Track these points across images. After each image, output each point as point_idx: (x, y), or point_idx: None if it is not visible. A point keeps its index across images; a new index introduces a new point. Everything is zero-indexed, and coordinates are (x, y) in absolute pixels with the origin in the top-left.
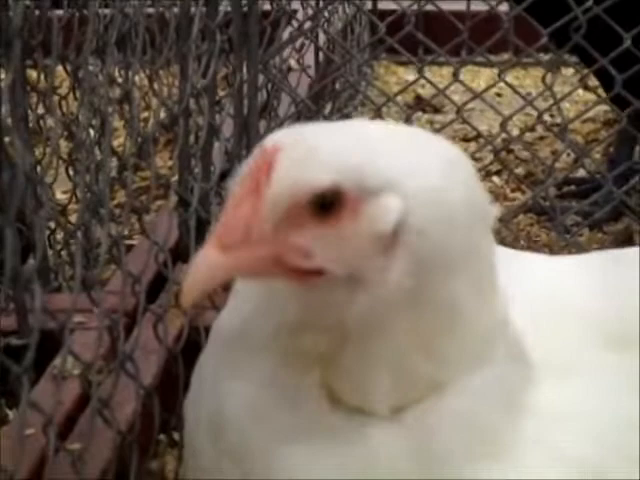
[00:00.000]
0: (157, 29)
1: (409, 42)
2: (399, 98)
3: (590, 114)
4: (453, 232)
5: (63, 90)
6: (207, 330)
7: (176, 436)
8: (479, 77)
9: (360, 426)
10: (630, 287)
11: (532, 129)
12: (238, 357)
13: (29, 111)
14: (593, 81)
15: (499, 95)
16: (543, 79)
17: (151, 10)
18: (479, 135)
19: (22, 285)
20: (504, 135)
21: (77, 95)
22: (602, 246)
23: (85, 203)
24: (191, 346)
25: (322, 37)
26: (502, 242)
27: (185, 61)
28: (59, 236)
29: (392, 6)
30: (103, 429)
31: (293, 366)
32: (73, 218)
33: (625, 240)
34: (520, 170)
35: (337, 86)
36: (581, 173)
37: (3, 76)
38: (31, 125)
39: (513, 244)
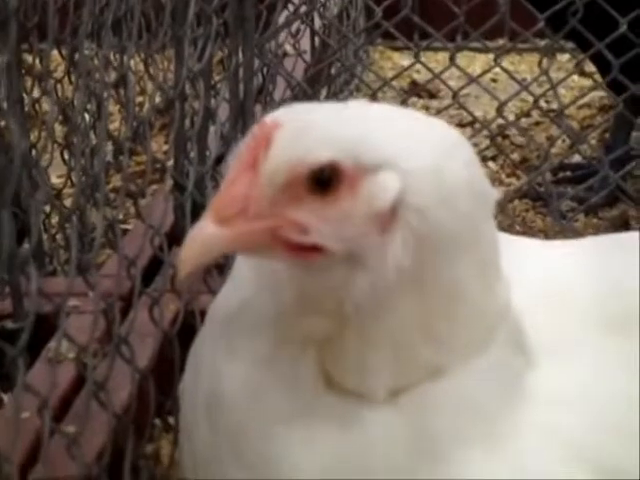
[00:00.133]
0: (153, 13)
1: (405, 27)
2: (394, 83)
3: (585, 100)
4: (453, 213)
5: (58, 74)
6: (203, 314)
7: (171, 420)
8: (474, 63)
9: (357, 408)
10: (628, 270)
11: (528, 115)
12: (235, 339)
13: (24, 95)
14: (589, 67)
15: (494, 81)
16: (539, 64)
17: None
18: (475, 120)
19: (17, 268)
20: (499, 121)
21: (72, 79)
22: (598, 231)
23: (80, 187)
24: (187, 330)
25: (318, 22)
26: (498, 227)
27: (181, 45)
28: (54, 220)
29: None
30: (98, 412)
31: (290, 348)
32: (68, 202)
33: (621, 225)
34: (515, 155)
35: (333, 71)
36: (576, 159)
37: None
38: (26, 109)
39: (509, 229)
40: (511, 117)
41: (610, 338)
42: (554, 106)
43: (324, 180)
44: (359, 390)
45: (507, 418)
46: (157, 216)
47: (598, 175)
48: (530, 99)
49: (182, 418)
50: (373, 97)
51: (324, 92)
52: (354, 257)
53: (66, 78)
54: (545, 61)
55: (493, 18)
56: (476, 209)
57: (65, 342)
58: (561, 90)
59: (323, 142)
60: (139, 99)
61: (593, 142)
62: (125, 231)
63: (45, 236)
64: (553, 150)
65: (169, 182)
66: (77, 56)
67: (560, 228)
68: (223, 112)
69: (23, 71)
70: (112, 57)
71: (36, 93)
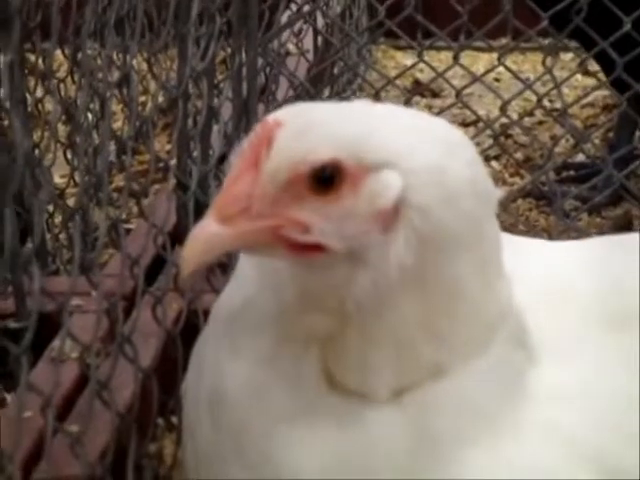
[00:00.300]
0: (155, 12)
1: (408, 26)
2: (397, 82)
3: (589, 99)
4: (455, 212)
5: (61, 74)
6: (206, 313)
7: (174, 420)
8: (478, 62)
9: (359, 408)
10: (630, 270)
11: (531, 114)
12: (238, 337)
13: (27, 94)
14: (593, 66)
15: (497, 80)
16: (543, 63)
17: None
18: (478, 119)
19: (20, 268)
20: (503, 120)
21: (75, 78)
22: (601, 231)
23: (83, 186)
24: (190, 329)
25: (320, 21)
26: (501, 226)
27: (184, 43)
28: (57, 219)
29: None
30: (101, 411)
31: (293, 346)
32: (71, 202)
33: (624, 225)
34: (519, 155)
35: (335, 70)
36: (580, 158)
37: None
38: (29, 109)
39: (512, 229)
40: (514, 116)
41: (611, 336)
42: (558, 105)
43: (326, 179)
44: (361, 389)
45: (509, 416)
46: (160, 215)
47: (602, 174)
48: (533, 98)
49: (185, 416)
50: (376, 96)
51: (327, 91)
52: (356, 255)
53: (69, 78)
54: (549, 60)
55: (496, 17)
56: (478, 208)
57: (68, 341)
58: (564, 89)
59: (325, 141)
60: (142, 98)
61: (597, 141)
62: (128, 230)
63: (48, 235)
64: (557, 149)
65: (172, 181)
66: (80, 55)
67: (563, 227)
68: (226, 111)
69: (26, 71)
70: (115, 56)
71: (39, 93)
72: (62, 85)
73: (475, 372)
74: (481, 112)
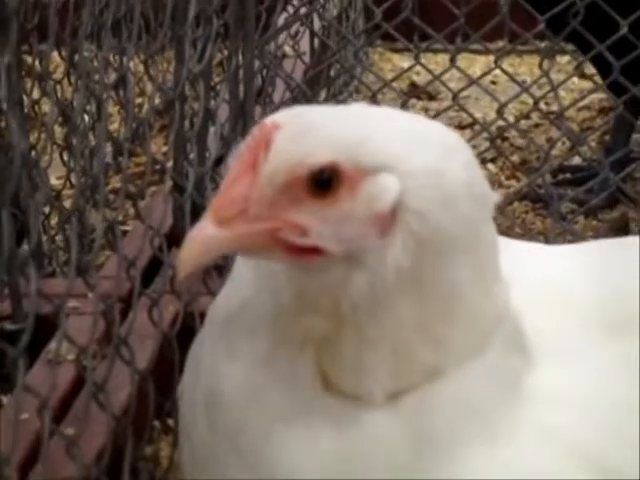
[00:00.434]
0: (152, 14)
1: (404, 28)
2: (394, 85)
3: (585, 102)
4: (452, 215)
5: (58, 75)
6: (202, 315)
7: (170, 422)
8: (474, 65)
9: (355, 409)
10: (629, 273)
11: (527, 116)
12: (234, 339)
13: (24, 96)
14: (589, 69)
15: (494, 83)
16: (540, 65)
17: None
18: (474, 122)
19: (17, 270)
20: (499, 122)
21: (72, 80)
22: (597, 234)
23: (80, 188)
24: (186, 331)
25: (317, 23)
26: (497, 229)
27: (181, 45)
28: (53, 221)
29: None
30: (98, 413)
31: (289, 348)
32: (67, 204)
33: (620, 228)
34: (515, 157)
35: (332, 72)
36: (576, 161)
37: None
38: (26, 110)
39: (508, 231)
40: (511, 119)
41: (610, 340)
42: (554, 108)
43: (324, 182)
44: (356, 391)
45: (506, 418)
46: (156, 217)
47: (598, 177)
48: (530, 101)
49: (181, 418)
50: (373, 99)
51: (323, 94)
52: (353, 258)
53: (66, 79)
54: (545, 63)
55: (493, 20)
56: (475, 211)
57: (65, 343)
58: (561, 92)
59: (323, 144)
60: (139, 100)
61: (593, 144)
62: (125, 232)
63: (44, 237)
64: (553, 152)
65: (168, 183)
66: (77, 57)
67: (560, 230)
68: (223, 113)
69: (23, 72)
70: (112, 58)
71: (36, 94)
72: (59, 87)
73: (471, 374)
74: (478, 115)
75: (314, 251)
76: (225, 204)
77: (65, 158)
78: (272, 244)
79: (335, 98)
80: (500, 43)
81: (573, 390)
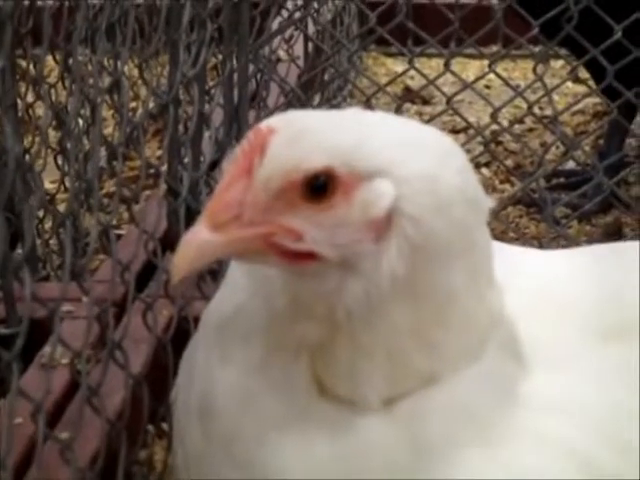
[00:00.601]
0: (146, 18)
1: (399, 33)
2: (388, 89)
3: (579, 106)
4: (447, 221)
5: (52, 79)
6: (196, 320)
7: (164, 426)
8: (468, 69)
9: (350, 415)
10: (625, 278)
11: (521, 121)
12: (228, 343)
13: (18, 100)
14: (583, 73)
15: (488, 87)
16: (534, 70)
17: (140, 0)
18: (468, 126)
19: (11, 273)
20: (493, 127)
21: (66, 84)
22: (591, 238)
23: (74, 192)
24: (180, 335)
25: (311, 27)
26: (491, 234)
27: (176, 49)
28: (47, 225)
29: None
30: (92, 418)
31: (283, 354)
32: (61, 207)
33: (614, 232)
34: (509, 162)
35: (326, 77)
36: (570, 165)
37: None
38: (20, 114)
39: (502, 236)
40: (505, 123)
41: (606, 346)
42: (548, 112)
43: (319, 187)
44: (351, 397)
45: (501, 423)
46: (151, 221)
47: (592, 182)
48: (524, 105)
49: (175, 423)
50: (367, 103)
51: (317, 98)
52: (348, 264)
53: (60, 83)
54: (539, 67)
55: (487, 24)
56: (470, 216)
57: (59, 347)
58: (555, 96)
59: (318, 149)
60: (133, 104)
61: (587, 149)
62: (119, 236)
63: (38, 241)
64: (547, 156)
65: (163, 187)
66: (71, 61)
67: (554, 234)
68: (217, 117)
69: (17, 76)
70: (106, 62)
71: (30, 98)
72: (53, 90)
73: (467, 379)
74: (472, 119)
75: (309, 256)
76: (220, 209)
77: (59, 162)
78: (266, 249)
79: (329, 102)
80: (494, 47)
81: (569, 396)
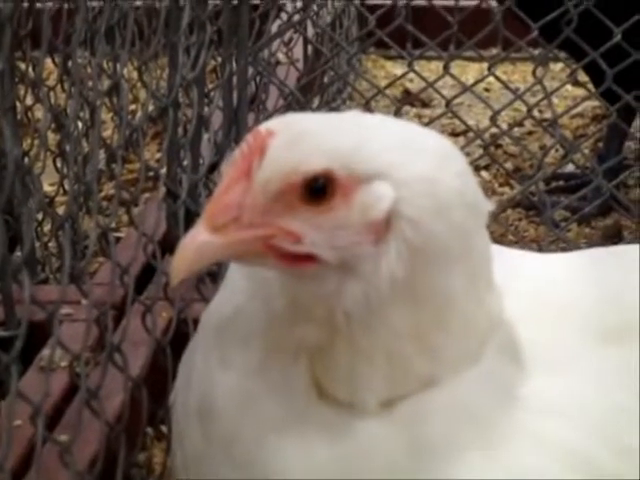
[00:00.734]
0: (146, 20)
1: (398, 36)
2: (387, 92)
3: (578, 109)
4: (446, 224)
5: (51, 82)
6: (195, 322)
7: (163, 429)
8: (467, 72)
9: (349, 418)
10: (625, 280)
11: (521, 124)
12: (228, 345)
13: (17, 102)
14: (582, 76)
15: (487, 90)
16: (533, 73)
17: (139, 3)
18: (468, 129)
19: (9, 276)
20: (493, 130)
21: (65, 87)
22: (590, 241)
23: (73, 195)
24: (179, 338)
25: (311, 30)
26: (490, 237)
27: (175, 51)
28: (46, 228)
29: (380, 0)
30: (91, 420)
31: (282, 357)
32: (60, 210)
33: (614, 235)
34: (509, 165)
35: (325, 79)
36: (569, 168)
37: None
38: (19, 117)
39: (501, 239)
40: (504, 126)
41: (605, 347)
42: (547, 115)
43: (318, 189)
44: (350, 400)
45: (501, 424)
46: (150, 224)
47: (591, 185)
48: (523, 108)
49: (174, 425)
50: (366, 106)
51: (317, 101)
52: (347, 266)
53: (59, 86)
54: (539, 70)
55: (487, 27)
56: (469, 220)
57: (58, 350)
58: (554, 99)
59: (317, 151)
60: (132, 107)
61: (586, 152)
62: (118, 239)
63: (37, 244)
64: (546, 159)
65: (162, 190)
66: (70, 64)
67: (553, 237)
68: (216, 120)
69: (16, 78)
70: (105, 65)
71: (29, 100)
72: (52, 93)
73: (466, 381)
74: (471, 122)
75: (308, 259)
76: (219, 211)
77: (58, 165)
78: (265, 251)
79: (328, 105)
80: (494, 50)
81: (569, 398)
